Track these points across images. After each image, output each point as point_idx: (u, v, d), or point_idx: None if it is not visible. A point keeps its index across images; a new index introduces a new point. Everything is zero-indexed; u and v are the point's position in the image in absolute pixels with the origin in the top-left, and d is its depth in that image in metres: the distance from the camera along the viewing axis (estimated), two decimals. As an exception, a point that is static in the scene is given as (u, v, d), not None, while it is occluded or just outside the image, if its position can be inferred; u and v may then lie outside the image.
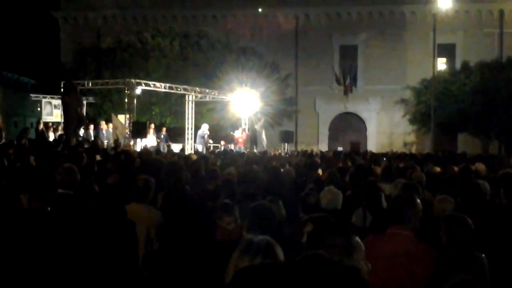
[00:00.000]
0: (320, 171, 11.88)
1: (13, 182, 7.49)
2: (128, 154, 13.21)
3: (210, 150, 24.84)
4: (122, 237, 5.27)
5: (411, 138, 42.21)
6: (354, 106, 43.14)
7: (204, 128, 29.17)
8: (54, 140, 22.00)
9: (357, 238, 3.47)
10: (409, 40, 42.82)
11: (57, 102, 28.91)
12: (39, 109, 31.38)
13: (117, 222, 5.38)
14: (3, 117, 41.92)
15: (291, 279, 1.97)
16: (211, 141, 29.64)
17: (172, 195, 6.84)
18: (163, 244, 6.16)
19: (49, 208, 4.85)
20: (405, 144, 41.31)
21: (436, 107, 33.97)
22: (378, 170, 11.50)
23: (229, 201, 5.71)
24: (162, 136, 28.67)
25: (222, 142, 29.93)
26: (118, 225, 5.33)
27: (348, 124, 44.08)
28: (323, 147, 39.77)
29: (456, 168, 11.63)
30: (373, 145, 40.99)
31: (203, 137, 28.68)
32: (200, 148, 26.19)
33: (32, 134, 28.26)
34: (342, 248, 3.36)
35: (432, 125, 34.14)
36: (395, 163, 15.71)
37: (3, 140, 20.63)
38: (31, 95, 34.33)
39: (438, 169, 12.35)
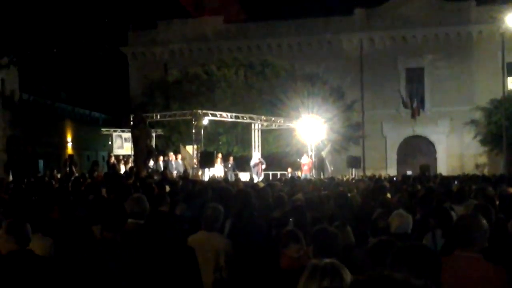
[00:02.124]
0: (389, 195, 11.71)
1: (87, 214, 7.71)
2: (196, 183, 13.36)
3: (275, 178, 24.85)
4: (182, 265, 5.30)
5: (483, 159, 41.11)
6: (422, 129, 42.43)
7: (255, 157, 29.25)
8: (125, 172, 22.50)
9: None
10: (477, 60, 41.95)
11: (127, 135, 29.60)
12: (110, 142, 32.17)
13: (176, 250, 5.42)
14: (76, 151, 43.19)
15: None
16: (263, 165, 29.44)
17: (239, 222, 6.87)
18: (232, 272, 6.18)
19: (119, 238, 4.97)
20: (477, 166, 40.21)
21: (507, 127, 33.05)
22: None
23: (295, 229, 5.68)
24: (229, 165, 28.88)
25: (289, 170, 29.87)
26: (176, 252, 5.37)
27: (417, 148, 43.31)
28: (392, 171, 39.18)
29: (530, 189, 11.25)
30: (443, 168, 40.10)
31: (254, 166, 28.76)
32: (255, 178, 26.00)
33: (104, 167, 29.06)
34: (429, 267, 3.32)
35: (504, 145, 33.22)
36: (467, 185, 15.32)
37: (76, 174, 21.27)
38: (102, 129, 35.27)
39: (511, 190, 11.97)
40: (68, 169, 23.71)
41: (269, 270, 5.13)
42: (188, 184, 13.40)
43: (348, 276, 3.24)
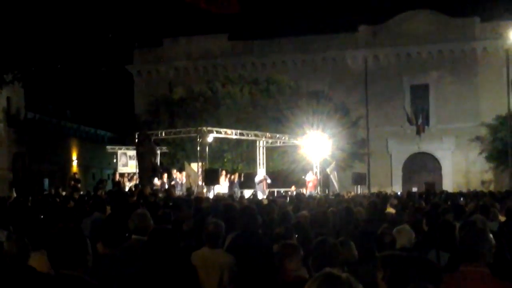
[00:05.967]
0: (392, 210, 11.67)
1: (91, 230, 7.70)
2: (200, 200, 13.33)
3: (280, 195, 24.74)
4: (182, 283, 5.25)
5: (489, 176, 40.95)
6: (427, 145, 42.34)
7: (260, 174, 29.12)
8: (129, 190, 22.48)
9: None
10: (482, 76, 41.94)
11: (132, 153, 29.63)
12: (115, 160, 32.20)
13: (177, 267, 5.38)
14: (81, 169, 43.25)
15: None
16: (269, 180, 29.31)
17: (241, 237, 6.83)
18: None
19: (118, 253, 4.96)
20: (482, 183, 40.04)
21: (513, 144, 32.97)
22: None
23: (293, 242, 5.64)
24: (234, 182, 28.81)
25: (293, 187, 29.71)
26: (177, 270, 5.32)
27: (422, 165, 43.22)
28: (397, 188, 39.05)
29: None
30: (449, 185, 39.96)
31: (259, 183, 28.59)
32: (259, 195, 25.67)
33: (109, 185, 29.10)
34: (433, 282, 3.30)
35: (510, 162, 33.11)
36: (473, 201, 15.25)
37: (81, 192, 21.28)
38: (107, 147, 35.32)
39: (518, 206, 11.90)
40: (71, 188, 23.71)
41: (270, 285, 5.08)
42: (191, 202, 13.37)
43: None
